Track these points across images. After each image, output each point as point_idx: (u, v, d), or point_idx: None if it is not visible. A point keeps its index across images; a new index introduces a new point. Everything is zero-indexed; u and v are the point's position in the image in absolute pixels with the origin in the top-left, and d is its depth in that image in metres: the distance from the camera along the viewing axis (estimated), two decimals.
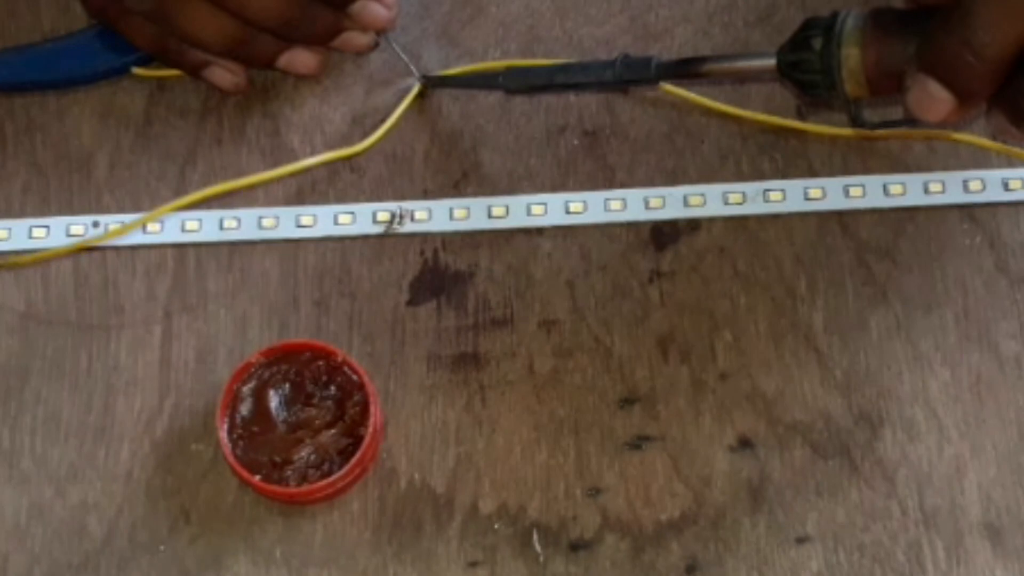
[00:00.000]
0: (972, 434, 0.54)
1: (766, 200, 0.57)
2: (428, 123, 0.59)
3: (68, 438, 0.54)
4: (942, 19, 0.49)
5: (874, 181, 0.58)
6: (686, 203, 0.58)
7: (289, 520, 0.53)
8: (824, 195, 0.57)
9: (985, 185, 0.57)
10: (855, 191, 0.58)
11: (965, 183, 0.57)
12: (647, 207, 0.57)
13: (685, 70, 0.56)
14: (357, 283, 0.56)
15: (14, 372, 0.55)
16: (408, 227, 0.57)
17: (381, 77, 0.60)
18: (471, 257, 0.57)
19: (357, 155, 0.59)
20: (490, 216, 0.58)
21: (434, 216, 0.58)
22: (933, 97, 0.49)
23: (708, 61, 0.56)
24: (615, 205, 0.58)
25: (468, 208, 0.58)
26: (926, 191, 0.57)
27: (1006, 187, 0.57)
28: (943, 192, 0.57)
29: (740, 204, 0.57)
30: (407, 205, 0.57)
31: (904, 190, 0.58)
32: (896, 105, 0.53)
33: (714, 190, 0.58)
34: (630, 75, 0.56)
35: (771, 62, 0.54)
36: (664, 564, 0.52)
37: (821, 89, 0.52)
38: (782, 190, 0.58)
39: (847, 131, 0.58)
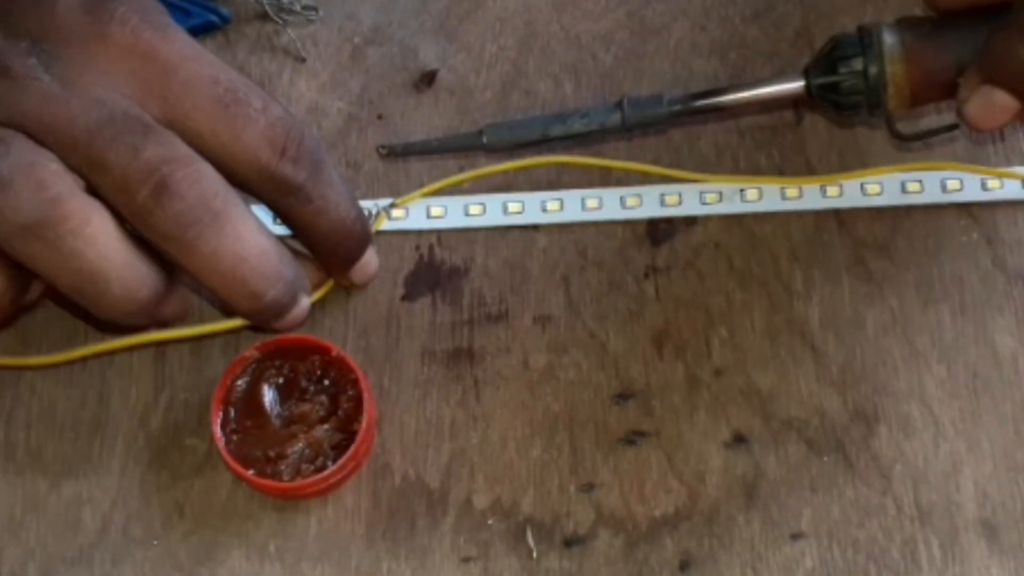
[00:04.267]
0: (968, 431, 0.53)
1: (761, 198, 0.57)
2: (424, 118, 0.59)
3: (63, 432, 0.54)
4: (1001, 29, 0.49)
5: (872, 179, 0.57)
6: (681, 200, 0.57)
7: (283, 515, 0.53)
8: (822, 193, 0.57)
9: (983, 184, 0.57)
10: (852, 189, 0.57)
11: (962, 181, 0.57)
12: (642, 203, 0.57)
13: (701, 105, 0.54)
14: None
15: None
16: (403, 223, 0.57)
17: (378, 72, 0.60)
18: (466, 252, 0.57)
19: None
20: (486, 212, 0.57)
21: (431, 212, 0.57)
22: (998, 106, 0.49)
23: (726, 92, 0.54)
24: (610, 201, 0.57)
25: (465, 204, 0.58)
26: (923, 189, 0.57)
27: (1003, 185, 0.57)
28: (942, 191, 0.57)
29: (736, 202, 0.57)
30: (383, 202, 0.57)
31: (902, 188, 0.57)
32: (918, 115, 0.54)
33: (711, 187, 0.57)
34: (638, 118, 0.54)
35: (798, 85, 0.53)
36: (658, 560, 0.52)
37: (862, 109, 0.52)
38: (779, 188, 0.57)
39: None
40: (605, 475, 0.53)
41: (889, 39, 0.51)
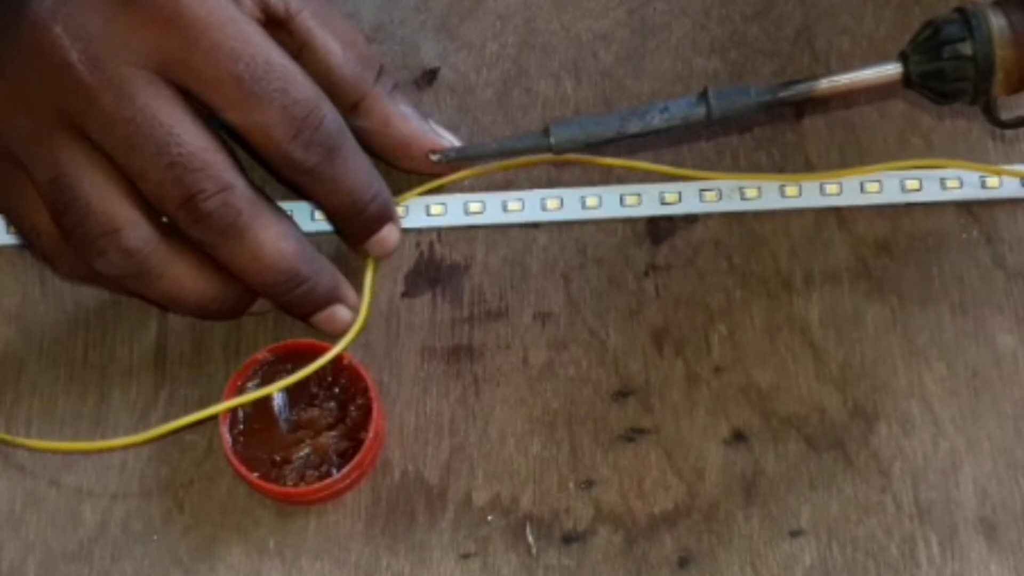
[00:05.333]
0: (968, 428, 0.53)
1: (760, 196, 0.57)
2: (425, 116, 0.59)
3: (63, 428, 0.54)
4: None
5: (870, 178, 0.57)
6: (681, 198, 0.57)
7: (282, 511, 0.53)
8: (822, 191, 0.57)
9: (982, 182, 0.57)
10: (851, 187, 0.57)
11: (961, 180, 0.57)
12: (642, 202, 0.57)
13: (792, 94, 0.52)
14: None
15: (10, 362, 0.55)
16: (402, 221, 0.57)
17: None
18: (467, 249, 0.57)
19: None
20: (486, 210, 0.57)
21: (430, 211, 0.57)
22: None
23: (818, 79, 0.51)
24: (610, 200, 0.57)
25: (465, 202, 0.58)
26: (922, 188, 0.57)
27: (1002, 184, 0.57)
28: (941, 189, 0.57)
29: (736, 200, 0.57)
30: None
31: (900, 187, 0.57)
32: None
33: (711, 184, 0.57)
34: (725, 111, 0.51)
35: (895, 72, 0.51)
36: (657, 557, 0.52)
37: (966, 95, 0.50)
38: (779, 186, 0.57)
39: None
40: (604, 472, 0.53)
41: (998, 21, 0.49)
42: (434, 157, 0.55)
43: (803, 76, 0.54)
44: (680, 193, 0.57)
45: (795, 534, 0.52)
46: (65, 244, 0.51)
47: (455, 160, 0.56)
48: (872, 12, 0.60)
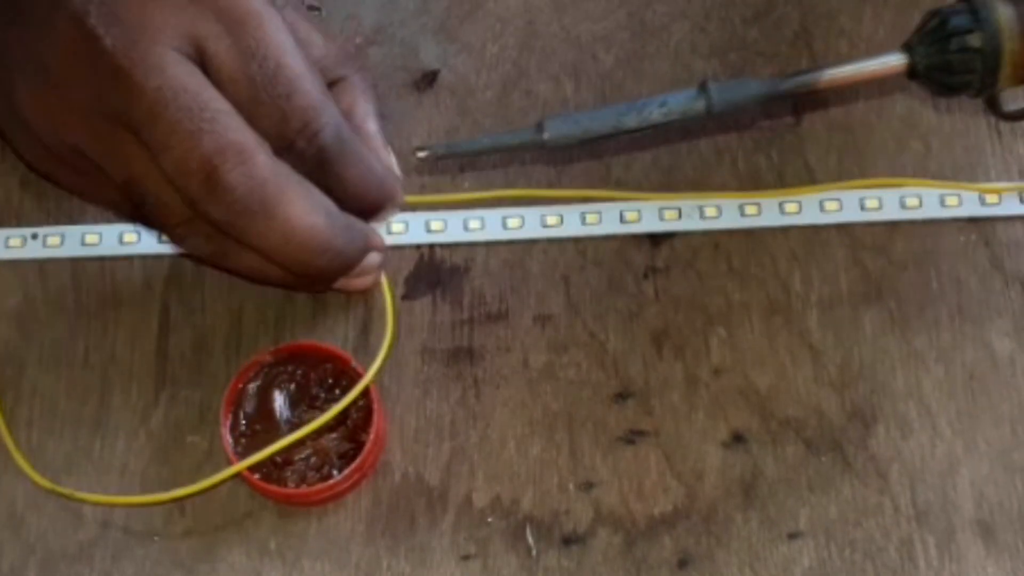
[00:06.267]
0: (965, 431, 0.54)
1: (759, 213, 0.57)
2: (425, 117, 0.59)
3: (64, 429, 0.54)
4: None
5: (869, 194, 0.57)
6: (680, 215, 0.57)
7: (283, 513, 0.53)
8: (821, 208, 0.57)
9: (979, 198, 0.57)
10: (849, 204, 0.57)
11: (959, 196, 0.57)
12: (640, 219, 0.57)
13: (794, 85, 0.50)
14: None
15: (11, 363, 0.55)
16: (402, 237, 0.57)
17: (379, 72, 0.60)
18: (467, 252, 0.57)
19: None
20: (483, 227, 0.57)
21: (430, 227, 0.57)
22: None
23: (820, 71, 0.50)
24: (608, 216, 0.57)
25: (463, 218, 0.57)
26: (920, 204, 0.57)
27: (1000, 198, 0.57)
28: (938, 205, 0.57)
29: (735, 216, 0.57)
30: None
31: (899, 204, 0.57)
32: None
33: (708, 202, 0.57)
34: (725, 104, 0.49)
35: (900, 63, 0.50)
36: (656, 558, 0.52)
37: (971, 88, 0.49)
38: (775, 202, 0.57)
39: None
40: (604, 474, 0.53)
41: (1006, 12, 0.48)
42: (421, 154, 0.52)
43: (806, 68, 0.52)
44: (679, 210, 0.57)
45: (793, 536, 0.52)
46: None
47: (443, 156, 0.53)
48: (870, 15, 0.61)
